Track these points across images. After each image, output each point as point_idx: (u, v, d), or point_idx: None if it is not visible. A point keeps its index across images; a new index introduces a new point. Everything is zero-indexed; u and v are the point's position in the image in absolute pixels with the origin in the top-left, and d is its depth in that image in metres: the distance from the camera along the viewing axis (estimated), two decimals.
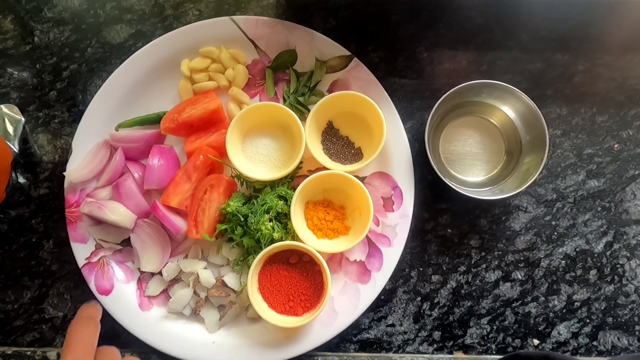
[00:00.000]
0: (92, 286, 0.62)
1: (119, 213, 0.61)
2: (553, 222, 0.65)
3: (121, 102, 0.65)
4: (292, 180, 0.64)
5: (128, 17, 0.69)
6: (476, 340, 0.64)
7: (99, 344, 0.54)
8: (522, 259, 0.65)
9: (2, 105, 0.65)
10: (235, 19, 0.65)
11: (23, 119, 0.66)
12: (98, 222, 0.63)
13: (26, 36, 0.69)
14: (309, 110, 0.64)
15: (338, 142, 0.64)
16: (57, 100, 0.68)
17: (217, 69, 0.66)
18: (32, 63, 0.68)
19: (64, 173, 0.63)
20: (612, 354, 0.63)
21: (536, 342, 0.63)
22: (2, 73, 0.68)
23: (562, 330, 0.64)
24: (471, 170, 0.66)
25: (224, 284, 0.61)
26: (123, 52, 0.68)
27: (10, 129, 0.65)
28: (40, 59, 0.68)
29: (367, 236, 0.63)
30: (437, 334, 0.64)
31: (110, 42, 0.69)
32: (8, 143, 0.63)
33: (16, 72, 0.68)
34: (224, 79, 0.65)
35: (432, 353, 0.63)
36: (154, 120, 0.65)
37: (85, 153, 0.64)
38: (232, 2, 0.69)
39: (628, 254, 0.65)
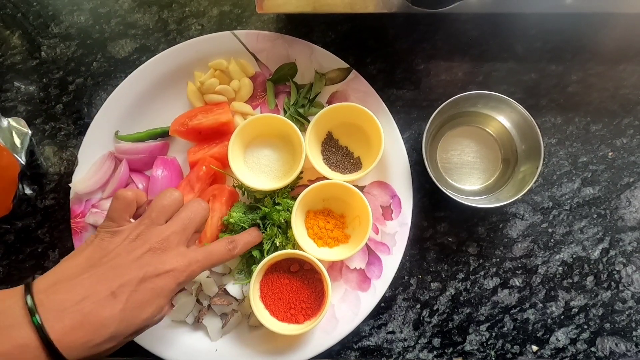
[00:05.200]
0: None
1: None
2: (549, 230, 0.66)
3: (125, 115, 0.66)
4: (292, 190, 0.65)
5: (132, 32, 0.71)
6: (475, 347, 0.64)
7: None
8: (519, 266, 0.66)
9: (9, 119, 0.67)
10: (237, 34, 0.67)
11: (30, 132, 0.68)
12: None
13: (33, 51, 0.71)
14: (308, 122, 0.65)
15: (337, 152, 0.65)
16: (63, 114, 0.69)
17: (223, 80, 0.67)
18: (39, 77, 0.70)
19: (70, 184, 0.64)
20: (611, 359, 0.64)
21: (535, 348, 0.64)
22: (9, 87, 0.70)
23: (561, 337, 0.64)
24: (468, 178, 0.67)
25: (226, 293, 0.62)
26: (128, 66, 0.69)
27: (17, 141, 0.66)
28: (47, 73, 0.70)
29: (366, 244, 0.64)
30: (436, 341, 0.65)
31: (115, 57, 0.70)
32: (15, 155, 0.65)
33: (23, 86, 0.70)
34: (231, 91, 0.67)
35: None
36: (155, 136, 0.67)
37: (90, 165, 0.65)
38: (234, 16, 0.71)
39: (624, 261, 0.66)
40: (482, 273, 0.66)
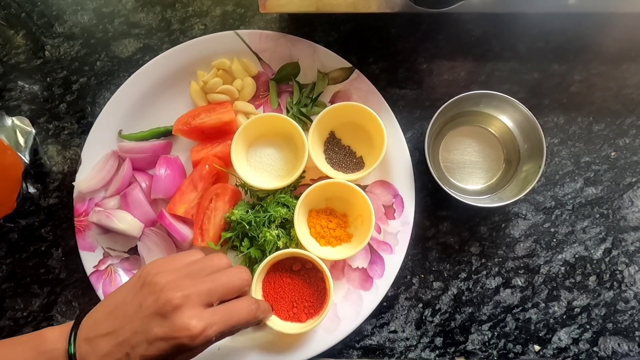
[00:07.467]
0: (100, 294, 0.63)
1: (127, 222, 0.63)
2: (552, 229, 0.66)
3: (129, 114, 0.66)
4: (295, 189, 0.65)
5: (136, 32, 0.71)
6: (477, 347, 0.64)
7: None
8: (522, 265, 0.66)
9: (13, 118, 0.67)
10: (240, 33, 0.67)
11: (34, 131, 0.68)
12: (106, 230, 0.64)
13: (37, 51, 0.71)
14: (311, 121, 0.65)
15: (340, 152, 0.66)
16: (67, 113, 0.70)
17: (225, 79, 0.67)
18: (42, 77, 0.70)
19: (73, 183, 0.65)
20: (613, 359, 0.64)
21: (537, 348, 0.64)
22: (14, 86, 0.70)
23: (563, 336, 0.64)
24: (471, 178, 0.67)
25: None
26: (131, 65, 0.70)
27: (21, 140, 0.67)
28: (51, 73, 0.70)
29: (369, 243, 0.64)
30: (439, 340, 0.65)
31: (118, 56, 0.71)
32: (19, 154, 0.65)
33: (27, 86, 0.70)
34: (234, 90, 0.67)
35: (434, 359, 0.64)
36: (158, 135, 0.67)
37: (94, 164, 0.65)
38: (237, 16, 0.71)
39: (627, 260, 0.65)
40: (485, 272, 0.66)
